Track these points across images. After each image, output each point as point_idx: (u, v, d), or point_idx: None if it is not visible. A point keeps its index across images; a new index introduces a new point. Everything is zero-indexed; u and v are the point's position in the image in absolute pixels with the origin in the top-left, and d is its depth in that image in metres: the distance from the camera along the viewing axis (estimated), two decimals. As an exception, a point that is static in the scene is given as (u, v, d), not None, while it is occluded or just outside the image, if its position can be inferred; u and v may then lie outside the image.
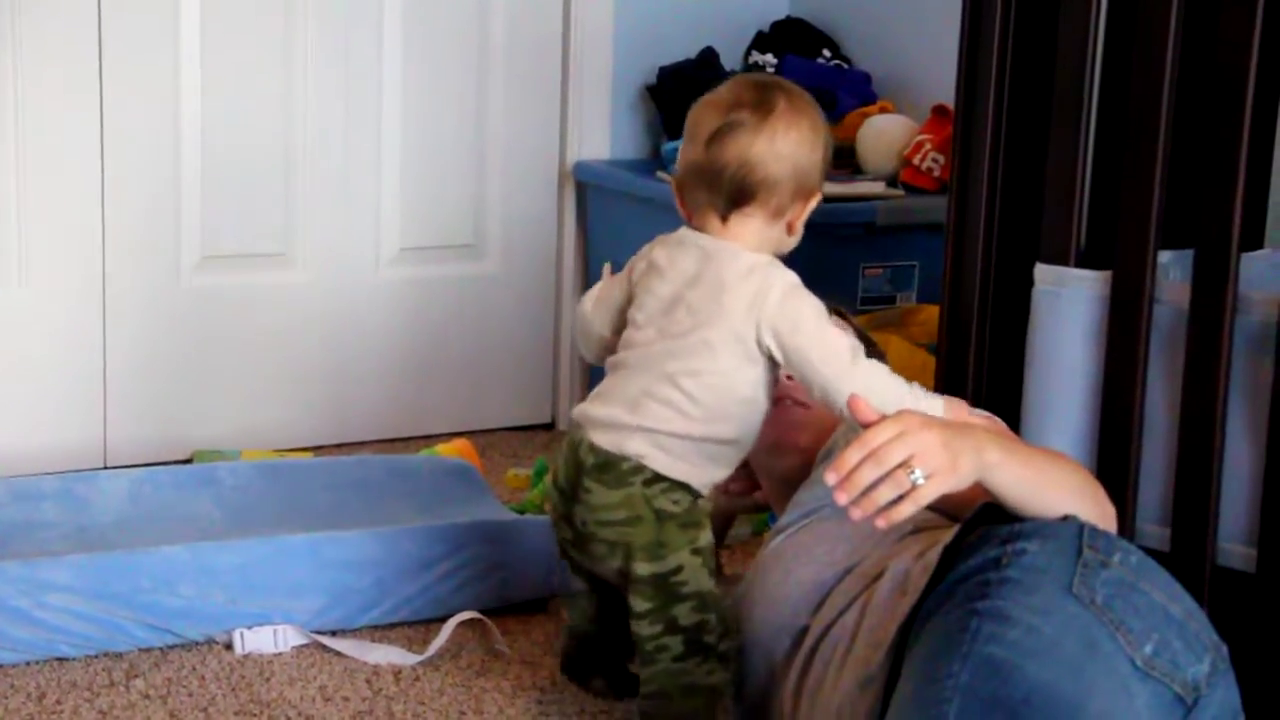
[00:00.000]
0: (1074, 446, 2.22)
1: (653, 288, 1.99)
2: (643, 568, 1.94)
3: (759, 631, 1.93)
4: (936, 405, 1.87)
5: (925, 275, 3.05)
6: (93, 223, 3.00)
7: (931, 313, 2.82)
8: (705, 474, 1.96)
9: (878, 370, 1.89)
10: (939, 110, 3.11)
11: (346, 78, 3.17)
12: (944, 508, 1.77)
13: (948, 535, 1.70)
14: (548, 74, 3.37)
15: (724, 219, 1.98)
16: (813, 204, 2.01)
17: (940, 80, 2.89)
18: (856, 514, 1.61)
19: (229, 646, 2.30)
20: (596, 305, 2.09)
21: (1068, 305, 2.23)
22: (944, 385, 2.39)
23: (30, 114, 2.91)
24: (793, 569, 1.91)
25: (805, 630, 1.86)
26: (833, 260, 2.98)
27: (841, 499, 1.60)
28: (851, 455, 1.60)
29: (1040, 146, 2.29)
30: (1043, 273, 2.26)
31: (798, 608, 1.87)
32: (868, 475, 1.60)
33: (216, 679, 2.23)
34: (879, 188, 3.12)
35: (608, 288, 2.08)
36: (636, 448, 1.93)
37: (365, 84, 3.19)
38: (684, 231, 2.03)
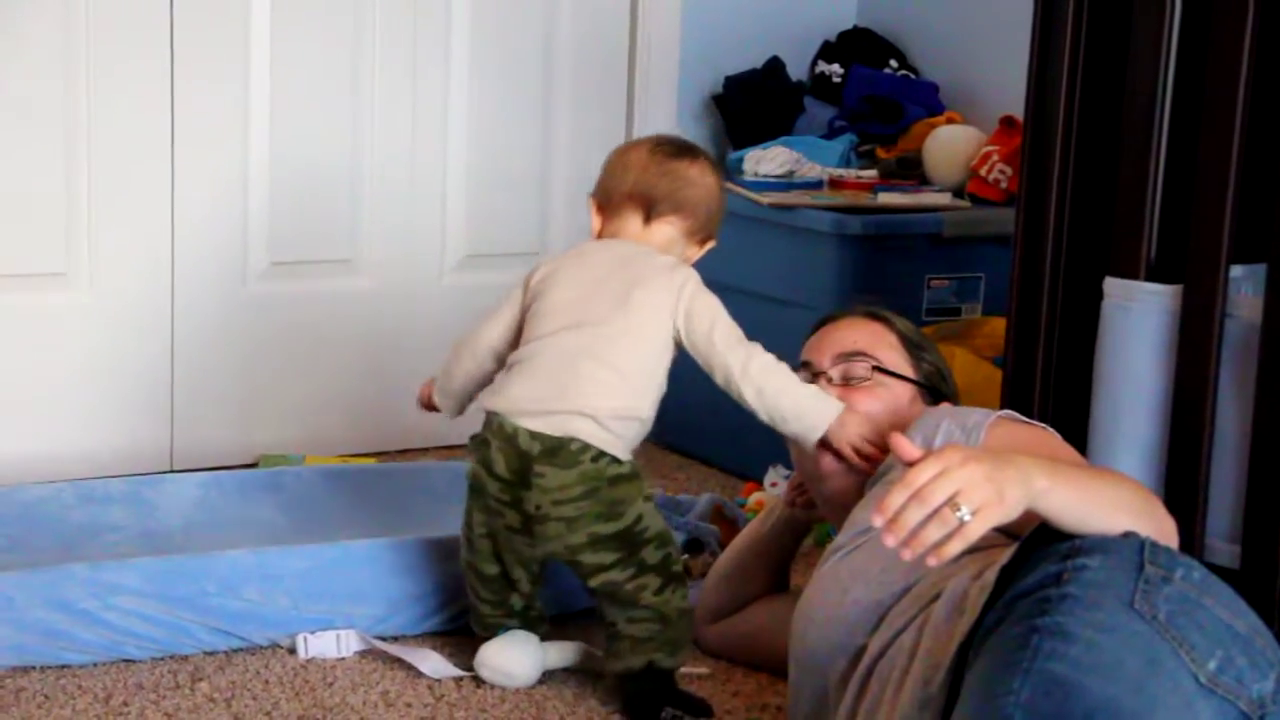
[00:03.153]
0: (1143, 462, 2.20)
1: (565, 282, 2.18)
2: (607, 528, 2.12)
3: (814, 651, 1.92)
4: (832, 405, 2.11)
5: (991, 287, 3.03)
6: (161, 229, 3.02)
7: (997, 325, 2.81)
8: (629, 452, 2.15)
9: (771, 359, 2.14)
10: (1007, 121, 3.10)
11: (413, 83, 3.19)
12: (1001, 527, 1.76)
13: (1005, 554, 1.69)
14: (613, 82, 3.37)
15: (647, 221, 2.21)
16: (706, 249, 2.26)
17: (1008, 91, 2.87)
18: (907, 555, 1.59)
19: (292, 651, 2.32)
20: (490, 321, 2.26)
21: (1137, 320, 2.21)
22: (1010, 399, 2.38)
23: (101, 121, 2.94)
24: (850, 589, 1.90)
25: (862, 650, 1.85)
26: (898, 271, 2.97)
27: (890, 541, 1.59)
28: (896, 496, 1.59)
29: (1111, 158, 2.27)
30: (1112, 286, 2.24)
31: (854, 628, 1.86)
32: (914, 516, 1.59)
33: (280, 683, 2.24)
34: (945, 199, 3.11)
35: (498, 308, 2.26)
36: (579, 427, 2.09)
37: (432, 90, 3.21)
38: (585, 242, 2.26)
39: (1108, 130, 2.28)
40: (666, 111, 3.40)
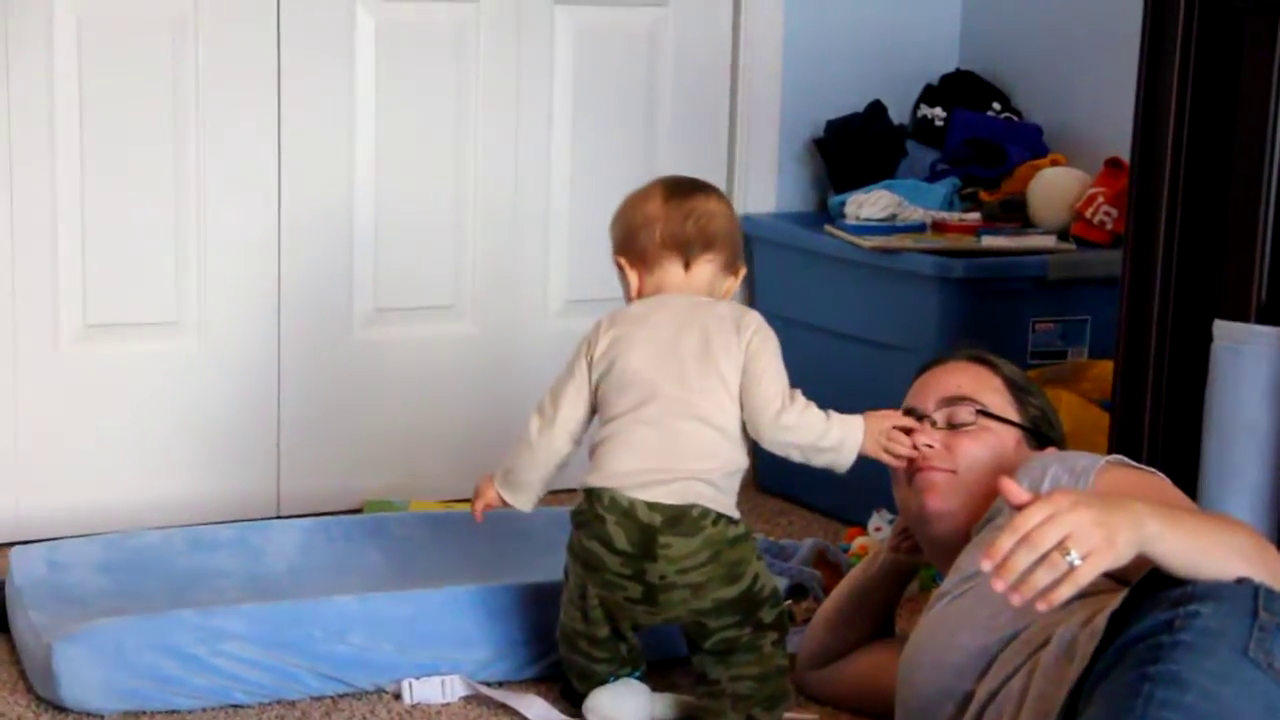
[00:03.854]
0: (1255, 507, 2.16)
1: (637, 347, 2.16)
2: (729, 591, 2.12)
3: (922, 696, 1.90)
4: (856, 425, 2.14)
5: (1097, 330, 3.00)
6: (268, 278, 3.06)
7: (1104, 368, 2.78)
8: (736, 508, 2.15)
9: (805, 406, 2.15)
10: (1112, 163, 3.07)
11: (515, 128, 3.21)
12: (1111, 573, 1.73)
13: (1115, 600, 1.67)
14: (715, 127, 3.38)
15: (687, 265, 2.21)
16: (739, 279, 2.26)
17: (1112, 132, 2.84)
18: (1016, 599, 1.58)
19: (398, 696, 2.33)
20: (560, 405, 2.22)
21: (1248, 362, 2.17)
22: (1118, 443, 2.35)
23: (209, 173, 2.99)
24: (957, 634, 1.88)
25: (970, 696, 1.83)
26: (1002, 314, 2.95)
27: (999, 586, 1.58)
28: (1004, 541, 1.58)
29: (1219, 198, 2.24)
30: (1222, 329, 2.21)
31: (962, 673, 1.85)
32: (1022, 561, 1.57)
33: (385, 728, 2.25)
34: (1050, 241, 3.08)
35: (562, 389, 2.22)
36: (699, 491, 2.09)
37: (534, 133, 3.23)
38: (637, 303, 2.22)
39: (1216, 169, 2.25)
40: (768, 157, 3.41)
